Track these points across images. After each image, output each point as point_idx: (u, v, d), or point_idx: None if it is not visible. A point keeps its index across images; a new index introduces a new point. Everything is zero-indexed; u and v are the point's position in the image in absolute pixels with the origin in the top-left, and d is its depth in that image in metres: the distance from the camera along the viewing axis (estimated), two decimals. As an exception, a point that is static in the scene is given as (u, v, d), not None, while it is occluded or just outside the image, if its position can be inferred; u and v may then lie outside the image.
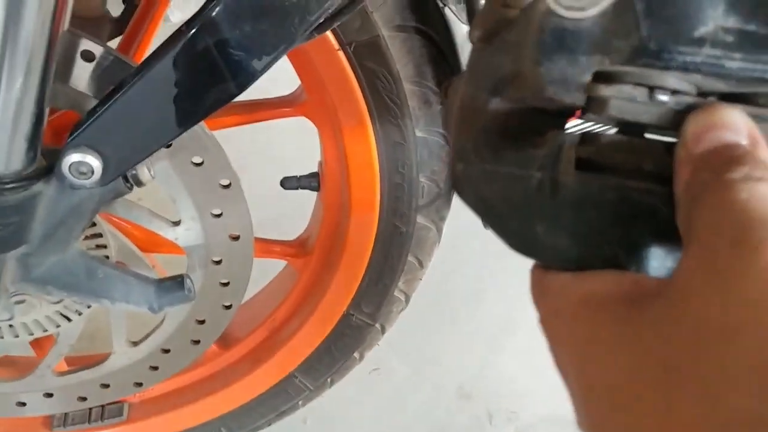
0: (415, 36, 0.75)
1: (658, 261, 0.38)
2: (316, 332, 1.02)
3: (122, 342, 0.91)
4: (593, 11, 0.37)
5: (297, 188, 0.94)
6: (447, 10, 0.71)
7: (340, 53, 0.74)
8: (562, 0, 0.37)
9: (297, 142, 1.41)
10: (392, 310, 1.00)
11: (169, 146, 0.73)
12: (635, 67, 0.37)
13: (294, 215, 1.18)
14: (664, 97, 0.37)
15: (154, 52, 0.60)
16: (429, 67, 0.77)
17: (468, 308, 1.56)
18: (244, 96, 0.63)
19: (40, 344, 0.99)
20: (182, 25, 0.58)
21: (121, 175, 0.65)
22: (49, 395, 0.98)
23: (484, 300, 1.59)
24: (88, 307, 0.84)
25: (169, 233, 0.81)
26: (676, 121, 0.37)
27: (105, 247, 0.81)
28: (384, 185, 0.85)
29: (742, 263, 0.31)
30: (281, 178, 0.94)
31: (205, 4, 0.57)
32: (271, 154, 1.73)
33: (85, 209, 0.68)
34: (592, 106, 0.38)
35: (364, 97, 0.77)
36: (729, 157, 0.34)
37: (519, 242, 0.42)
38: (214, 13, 0.57)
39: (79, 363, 0.99)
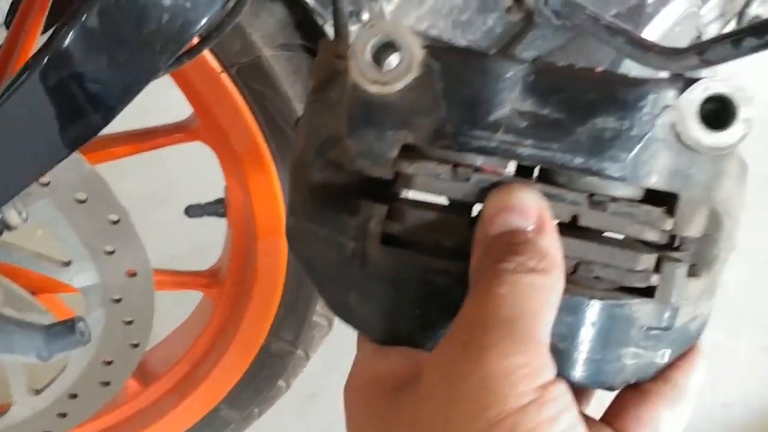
0: (301, 54, 0.73)
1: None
2: (237, 363, 0.99)
3: (23, 391, 0.86)
4: (397, 86, 0.37)
5: (202, 216, 0.90)
6: (327, 28, 0.69)
7: (224, 76, 0.71)
8: (368, 74, 0.37)
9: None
10: (314, 335, 0.97)
11: (46, 184, 0.70)
12: (436, 146, 0.37)
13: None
14: (466, 175, 0.37)
15: (5, 88, 0.56)
16: (320, 85, 0.75)
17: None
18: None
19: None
20: (30, 57, 0.55)
21: (-16, 220, 0.62)
22: (-47, 452, 0.92)
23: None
24: (-20, 357, 0.80)
25: (60, 275, 0.77)
26: (481, 197, 0.37)
27: (-10, 293, 0.76)
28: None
29: (467, 368, 0.31)
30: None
31: (53, 33, 0.54)
32: (196, 180, 1.69)
33: (-48, 258, 0.64)
34: (399, 181, 0.39)
35: (255, 119, 0.75)
36: (509, 244, 0.34)
37: (334, 307, 0.42)
38: (64, 44, 0.54)
39: (-17, 415, 0.94)
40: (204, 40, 0.62)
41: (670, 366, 0.40)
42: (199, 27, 0.58)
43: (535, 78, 0.37)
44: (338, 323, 0.98)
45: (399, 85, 0.37)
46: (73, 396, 0.88)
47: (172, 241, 1.43)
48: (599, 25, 1.08)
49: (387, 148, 0.38)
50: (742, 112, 0.36)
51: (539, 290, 0.33)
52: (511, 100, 0.36)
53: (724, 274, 0.42)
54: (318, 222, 0.41)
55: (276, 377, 1.01)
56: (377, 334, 0.40)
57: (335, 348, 1.02)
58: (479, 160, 0.38)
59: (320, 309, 0.94)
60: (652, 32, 1.13)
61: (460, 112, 0.37)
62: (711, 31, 1.37)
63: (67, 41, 0.54)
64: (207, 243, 1.35)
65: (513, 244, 0.34)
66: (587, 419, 0.42)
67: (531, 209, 0.35)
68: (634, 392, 0.40)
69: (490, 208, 0.36)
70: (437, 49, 0.37)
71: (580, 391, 0.44)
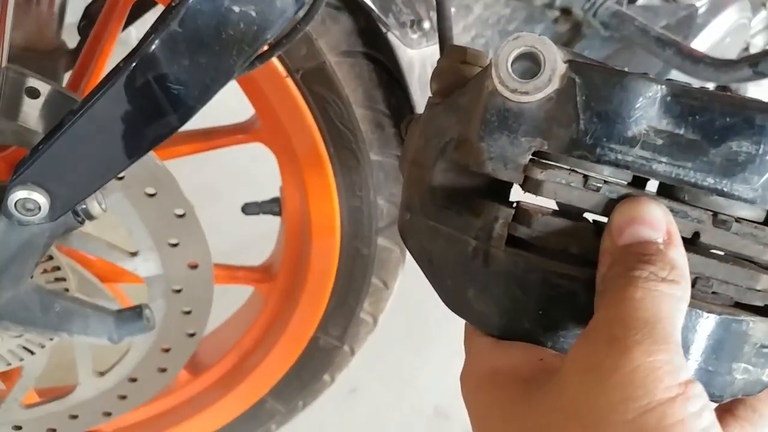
0: (363, 61, 0.76)
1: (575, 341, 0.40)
2: (285, 356, 1.02)
3: (88, 372, 0.91)
4: (537, 96, 0.38)
5: (258, 214, 0.94)
6: (390, 35, 0.72)
7: (288, 80, 0.75)
8: (508, 83, 0.38)
9: (271, 165, 1.43)
10: (360, 331, 1.00)
11: (121, 179, 0.74)
12: (571, 156, 0.39)
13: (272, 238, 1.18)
14: (597, 185, 0.39)
15: (95, 88, 0.60)
16: (379, 91, 0.78)
17: (444, 329, 1.56)
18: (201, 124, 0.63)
19: (8, 376, 0.99)
20: (120, 61, 0.59)
21: (70, 210, 0.65)
22: (18, 428, 0.97)
23: (459, 321, 1.58)
24: (51, 339, 0.84)
25: (127, 264, 0.81)
26: (608, 208, 0.39)
27: (64, 279, 0.81)
28: (343, 209, 0.86)
29: (612, 362, 0.33)
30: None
31: (142, 39, 0.58)
32: (246, 177, 1.73)
33: (36, 245, 0.68)
34: (528, 186, 0.40)
35: (316, 122, 0.78)
36: (641, 254, 0.36)
37: (451, 300, 0.43)
38: (151, 49, 0.58)
39: (48, 395, 0.99)
40: (275, 46, 0.65)
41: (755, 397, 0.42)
42: (272, 33, 0.61)
43: (673, 98, 0.38)
44: (382, 321, 1.01)
45: (539, 96, 0.38)
46: (133, 380, 0.92)
47: (222, 236, 1.47)
48: (648, 37, 1.09)
49: (519, 154, 0.39)
50: None
51: (670, 298, 0.35)
52: (648, 118, 0.38)
53: None
54: (439, 220, 0.42)
55: (322, 371, 1.04)
56: (496, 329, 0.41)
57: (377, 345, 1.05)
58: (606, 172, 0.39)
59: (367, 306, 0.97)
60: (701, 43, 1.14)
61: (600, 126, 0.38)
62: (757, 42, 1.38)
63: (153, 47, 0.58)
64: (252, 240, 1.40)
65: (644, 254, 0.36)
66: None
67: (660, 222, 0.37)
68: (726, 414, 0.42)
69: (620, 219, 0.38)
70: (579, 64, 0.39)
71: None
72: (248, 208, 0.93)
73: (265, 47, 0.67)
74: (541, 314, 0.39)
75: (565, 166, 0.39)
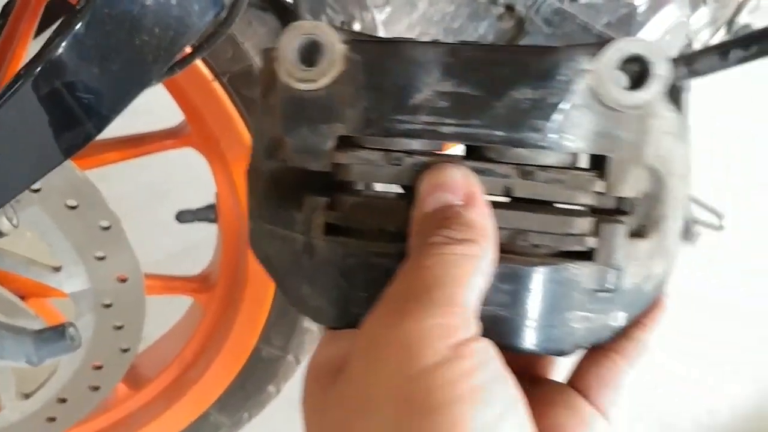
0: (293, 63, 0.73)
1: None
2: (227, 368, 0.99)
3: (12, 396, 0.86)
4: (323, 81, 0.38)
5: (193, 221, 0.91)
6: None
7: (215, 84, 0.72)
8: (294, 73, 0.39)
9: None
10: (304, 340, 0.97)
11: (37, 191, 0.70)
12: (365, 135, 0.39)
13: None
14: (398, 159, 0.38)
15: (-2, 96, 0.57)
16: (311, 94, 0.76)
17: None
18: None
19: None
20: (22, 67, 0.55)
21: (-24, 227, 0.62)
22: (-57, 454, 0.92)
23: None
24: (-29, 362, 0.80)
25: (50, 280, 0.77)
26: (416, 179, 0.38)
27: (-20, 299, 0.76)
28: (279, 215, 0.83)
29: (386, 335, 0.32)
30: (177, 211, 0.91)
31: (45, 44, 0.55)
32: (196, 178, 1.69)
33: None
34: (339, 173, 0.40)
35: (247, 126, 0.75)
36: (439, 219, 0.36)
37: (292, 299, 0.43)
38: (56, 54, 0.54)
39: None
40: (196, 50, 0.62)
41: (633, 323, 0.41)
42: (190, 38, 0.58)
43: (452, 59, 0.38)
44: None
45: (325, 81, 0.38)
46: (63, 400, 0.88)
47: (171, 239, 1.43)
48: (590, 34, 1.09)
49: (322, 142, 0.39)
50: (657, 70, 0.37)
51: (464, 259, 0.34)
52: (431, 82, 0.38)
53: (675, 233, 0.42)
54: (274, 222, 0.42)
55: (266, 382, 1.01)
56: (330, 321, 0.41)
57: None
58: (414, 145, 0.39)
59: (310, 315, 0.94)
60: (642, 41, 1.14)
61: (383, 99, 0.38)
62: (702, 38, 1.39)
63: (59, 51, 0.54)
64: (204, 241, 1.36)
65: (442, 218, 0.36)
66: (550, 383, 0.43)
67: (459, 185, 0.37)
68: (595, 352, 0.41)
69: (423, 188, 0.37)
70: (357, 42, 0.39)
71: (542, 357, 0.45)
72: (182, 216, 0.90)
73: (189, 50, 0.64)
74: (365, 298, 0.38)
75: (370, 147, 0.39)
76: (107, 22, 0.55)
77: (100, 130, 0.59)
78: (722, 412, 1.38)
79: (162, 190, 1.67)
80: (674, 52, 1.20)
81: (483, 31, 1.16)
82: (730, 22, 1.43)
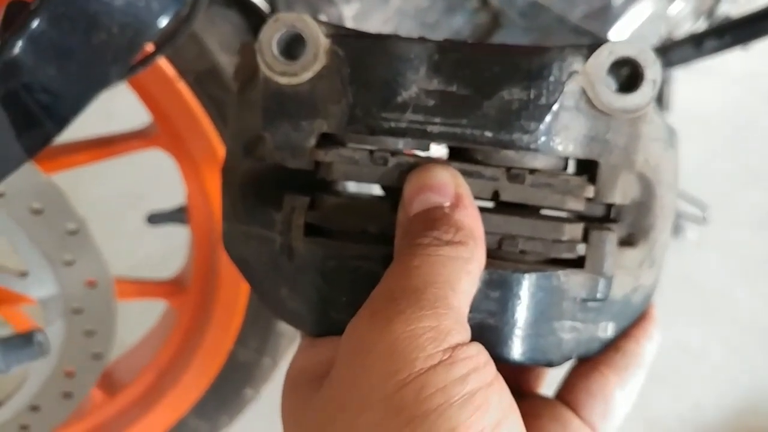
0: (259, 60, 0.72)
1: None
2: (203, 372, 0.97)
3: (-19, 404, 0.84)
4: (306, 76, 0.37)
5: (165, 223, 0.89)
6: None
7: (180, 83, 0.70)
8: (275, 67, 0.37)
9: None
10: (280, 342, 0.96)
11: (0, 195, 0.68)
12: (348, 132, 0.37)
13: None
14: (383, 159, 0.37)
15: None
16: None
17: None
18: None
19: None
20: (-25, 69, 0.53)
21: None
22: None
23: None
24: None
25: (17, 286, 0.75)
26: (401, 180, 0.37)
27: (-54, 306, 0.75)
28: (251, 215, 0.81)
29: (373, 338, 0.31)
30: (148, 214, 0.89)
31: (0, 44, 0.53)
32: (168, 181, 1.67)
33: None
34: (321, 171, 0.38)
35: (215, 126, 0.74)
36: (427, 220, 0.35)
37: (269, 302, 0.41)
38: (12, 55, 0.53)
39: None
40: (158, 49, 0.61)
41: (622, 335, 0.40)
42: (149, 37, 0.57)
43: (440, 57, 0.36)
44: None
45: (308, 75, 0.37)
46: (35, 408, 0.86)
47: (148, 243, 1.41)
48: (565, 26, 1.08)
49: (303, 138, 0.38)
50: (649, 74, 0.36)
51: (452, 261, 0.33)
52: (417, 80, 0.36)
53: (663, 244, 0.41)
54: (248, 221, 0.40)
55: (243, 385, 0.99)
56: (309, 326, 0.39)
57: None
58: (400, 144, 0.38)
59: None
60: (619, 32, 1.14)
61: (368, 96, 0.36)
62: (684, 28, 1.39)
63: (15, 51, 0.53)
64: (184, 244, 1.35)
65: (430, 220, 0.35)
66: (538, 396, 0.42)
67: (447, 186, 0.36)
68: (584, 365, 0.40)
69: (409, 189, 0.36)
70: (342, 37, 0.37)
71: (530, 371, 0.44)
72: (154, 218, 0.88)
73: (150, 49, 0.62)
74: (346, 302, 0.37)
75: (358, 146, 0.38)
76: (63, 21, 0.54)
77: (60, 130, 0.58)
78: (708, 407, 1.38)
79: (138, 194, 1.66)
80: (650, 43, 1.20)
81: (459, 24, 1.16)
82: (710, 13, 1.43)
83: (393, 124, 0.36)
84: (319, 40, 0.37)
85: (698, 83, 1.98)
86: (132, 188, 1.67)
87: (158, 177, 1.56)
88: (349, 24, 0.84)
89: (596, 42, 0.36)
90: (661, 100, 1.75)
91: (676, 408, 1.36)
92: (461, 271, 0.33)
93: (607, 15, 1.12)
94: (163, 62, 0.69)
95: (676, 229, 1.61)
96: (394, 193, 0.38)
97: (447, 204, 0.35)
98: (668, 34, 1.35)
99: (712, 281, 1.58)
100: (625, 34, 1.15)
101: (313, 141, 0.38)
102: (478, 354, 0.32)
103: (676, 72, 1.68)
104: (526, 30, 1.14)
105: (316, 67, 0.37)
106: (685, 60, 1.01)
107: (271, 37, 0.37)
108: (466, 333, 0.32)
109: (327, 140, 0.38)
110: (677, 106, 1.78)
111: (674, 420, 1.35)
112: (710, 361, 1.44)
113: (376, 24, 0.99)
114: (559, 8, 1.08)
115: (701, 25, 1.38)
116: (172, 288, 0.97)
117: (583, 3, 1.13)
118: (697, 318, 1.50)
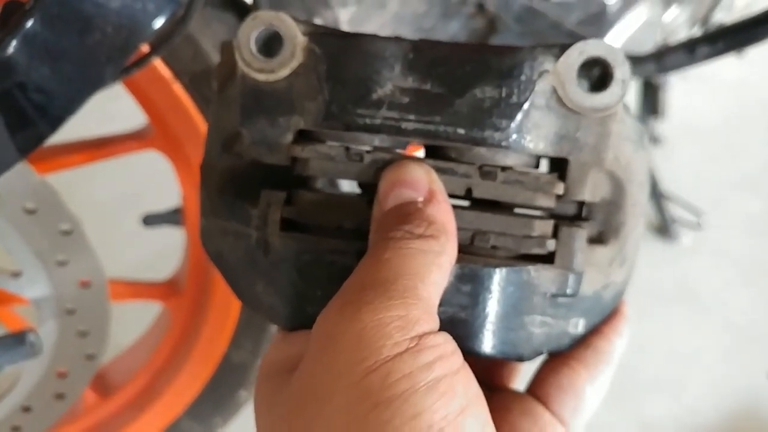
0: (255, 63, 0.72)
1: None
2: (198, 374, 0.97)
3: (-27, 405, 0.84)
4: (283, 73, 0.38)
5: (160, 224, 0.89)
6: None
7: (176, 85, 0.70)
8: (253, 63, 0.38)
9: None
10: (275, 344, 0.96)
11: (-7, 195, 0.68)
12: (324, 128, 0.38)
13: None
14: (359, 155, 0.38)
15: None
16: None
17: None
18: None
19: None
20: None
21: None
22: None
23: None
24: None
25: (10, 286, 0.75)
26: (377, 176, 0.38)
27: (-62, 306, 0.75)
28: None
29: (341, 328, 0.31)
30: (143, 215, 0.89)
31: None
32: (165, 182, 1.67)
33: None
34: (297, 167, 0.39)
35: (210, 128, 0.74)
36: (400, 215, 0.35)
37: (246, 299, 0.42)
38: (5, 55, 0.53)
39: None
40: (153, 50, 0.61)
41: (593, 331, 0.41)
42: (144, 38, 0.57)
43: (415, 55, 0.37)
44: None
45: (285, 72, 0.38)
46: (27, 409, 0.86)
47: (144, 244, 1.41)
48: (561, 32, 1.09)
49: (280, 135, 0.38)
50: (618, 73, 0.37)
51: (423, 254, 0.34)
52: (393, 77, 0.37)
53: (635, 242, 0.42)
54: (227, 217, 0.41)
55: (238, 387, 0.99)
56: (284, 320, 0.40)
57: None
58: (375, 140, 0.39)
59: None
60: (614, 38, 1.14)
61: (344, 93, 0.37)
62: (680, 36, 1.39)
63: (9, 51, 0.53)
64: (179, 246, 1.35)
65: (403, 214, 0.35)
66: (509, 390, 0.43)
67: (421, 182, 0.36)
68: (554, 360, 0.41)
69: (384, 185, 0.37)
70: (318, 35, 0.38)
71: (502, 366, 0.45)
72: (149, 220, 0.88)
73: (145, 50, 0.63)
74: (320, 296, 0.38)
75: (333, 143, 0.38)
76: (58, 21, 0.54)
77: (53, 130, 0.58)
78: (703, 412, 1.38)
79: (133, 195, 1.66)
80: (645, 50, 1.20)
81: (455, 30, 1.16)
82: (705, 21, 1.44)
83: (368, 121, 0.37)
84: (297, 38, 0.38)
85: (693, 90, 1.99)
86: (127, 189, 1.67)
87: (153, 178, 1.57)
88: (345, 27, 0.84)
89: (568, 42, 0.37)
90: (656, 107, 1.77)
91: (671, 412, 1.36)
92: (432, 264, 0.34)
93: (602, 21, 1.13)
94: (158, 63, 0.69)
95: (671, 235, 1.62)
96: (370, 189, 0.38)
97: (420, 199, 0.36)
98: (664, 42, 1.36)
99: (706, 286, 1.58)
100: (620, 40, 1.16)
101: (289, 137, 0.38)
102: (445, 343, 0.32)
103: (671, 79, 1.69)
104: (522, 35, 1.15)
105: (293, 64, 0.38)
106: (678, 66, 1.02)
107: (249, 34, 0.38)
108: (434, 323, 0.33)
109: (304, 136, 0.39)
110: (672, 113, 1.79)
111: (670, 424, 1.35)
112: (705, 366, 1.44)
113: (372, 28, 1.00)
114: (555, 14, 1.09)
115: (697, 33, 1.39)
116: (166, 290, 0.97)
117: (579, 9, 1.14)
118: (692, 323, 1.50)
